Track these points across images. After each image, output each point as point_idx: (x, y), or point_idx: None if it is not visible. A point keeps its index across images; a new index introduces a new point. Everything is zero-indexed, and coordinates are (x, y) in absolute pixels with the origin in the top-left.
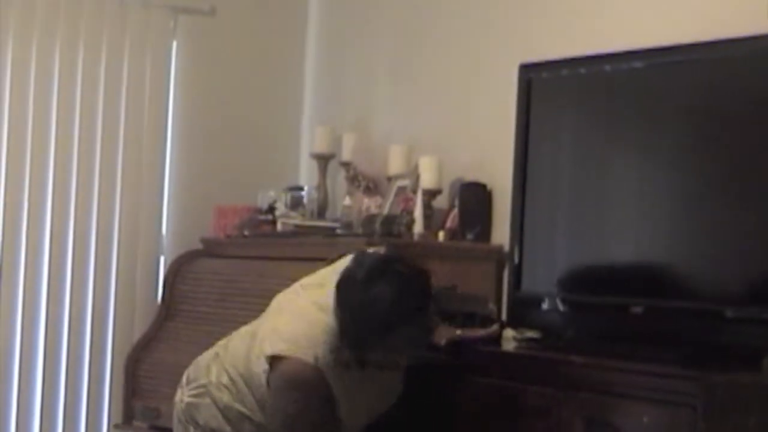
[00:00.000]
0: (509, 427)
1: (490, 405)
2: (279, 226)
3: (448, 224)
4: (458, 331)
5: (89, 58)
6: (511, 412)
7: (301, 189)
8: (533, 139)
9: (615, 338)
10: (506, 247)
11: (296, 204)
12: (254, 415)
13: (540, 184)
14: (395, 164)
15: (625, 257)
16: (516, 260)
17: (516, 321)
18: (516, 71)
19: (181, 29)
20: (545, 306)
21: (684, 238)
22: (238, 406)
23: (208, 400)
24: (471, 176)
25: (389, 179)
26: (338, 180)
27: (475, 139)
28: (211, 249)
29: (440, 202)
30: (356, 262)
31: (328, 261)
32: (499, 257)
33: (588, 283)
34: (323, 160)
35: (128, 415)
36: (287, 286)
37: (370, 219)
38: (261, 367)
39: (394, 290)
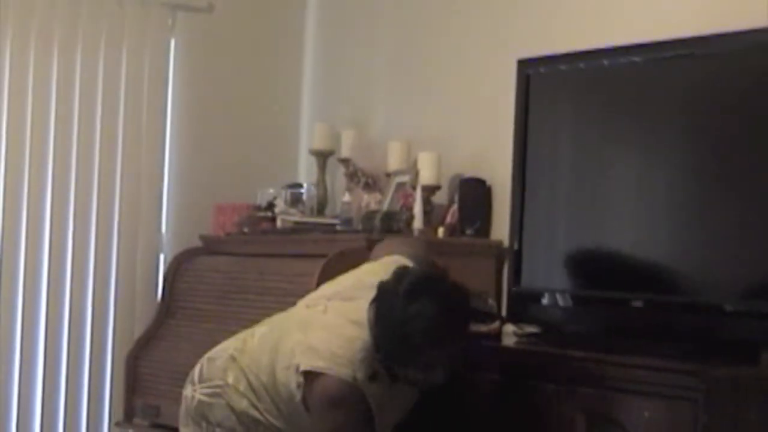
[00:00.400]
0: (510, 422)
1: (491, 400)
2: (278, 223)
3: (448, 220)
4: None
5: (88, 55)
6: (511, 407)
7: (301, 186)
8: (532, 134)
9: (615, 333)
10: (506, 243)
11: (295, 201)
12: (275, 419)
13: (539, 179)
14: (394, 160)
15: (625, 252)
16: (515, 255)
17: (516, 316)
18: (514, 66)
19: (180, 26)
20: (545, 301)
21: (683, 232)
22: (255, 413)
23: (223, 402)
24: (470, 172)
25: (388, 175)
26: (337, 176)
27: (474, 135)
28: (210, 246)
29: (440, 197)
30: (397, 276)
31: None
32: (498, 252)
33: (588, 278)
34: (322, 157)
35: (129, 412)
36: (287, 283)
37: (369, 215)
38: (292, 380)
39: (435, 308)
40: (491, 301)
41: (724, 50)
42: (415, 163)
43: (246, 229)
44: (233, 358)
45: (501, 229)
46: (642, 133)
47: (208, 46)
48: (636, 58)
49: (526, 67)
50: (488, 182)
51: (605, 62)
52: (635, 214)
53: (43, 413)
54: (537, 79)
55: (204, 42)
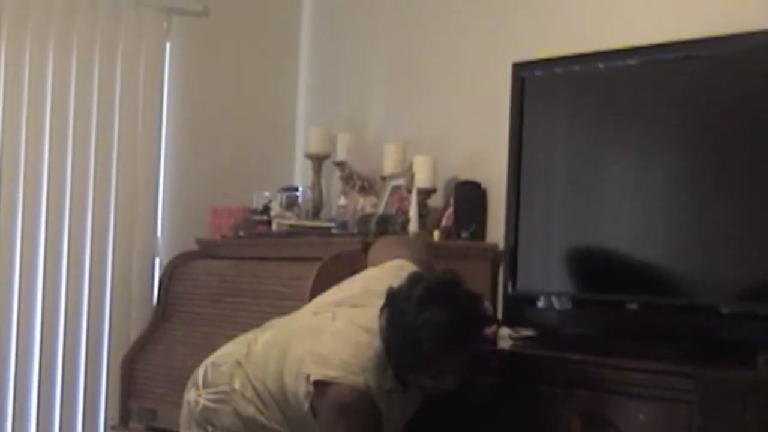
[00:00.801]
0: (506, 425)
1: (487, 403)
2: (274, 227)
3: (443, 223)
4: None
5: (83, 59)
6: (507, 410)
7: (296, 189)
8: (527, 137)
9: (611, 335)
10: (501, 246)
11: (291, 204)
12: (281, 427)
13: (534, 182)
14: (390, 164)
15: (621, 254)
16: (511, 258)
17: (512, 319)
18: (509, 70)
19: (175, 30)
20: (541, 304)
21: (679, 234)
22: (262, 420)
23: (229, 408)
24: (465, 175)
25: (384, 179)
26: (333, 180)
27: (470, 138)
28: (206, 250)
29: (435, 201)
30: (411, 282)
31: (319, 267)
32: (494, 256)
33: (583, 281)
34: (318, 160)
35: (125, 416)
36: (283, 286)
37: (365, 219)
38: (302, 389)
39: (447, 315)
40: (487, 305)
41: (720, 53)
42: (410, 167)
43: (242, 233)
44: (239, 364)
45: (496, 232)
46: (637, 136)
47: (203, 50)
48: (631, 61)
49: (522, 70)
50: (484, 185)
51: (601, 65)
52: (631, 216)
53: (39, 416)
54: (532, 82)
55: (199, 46)
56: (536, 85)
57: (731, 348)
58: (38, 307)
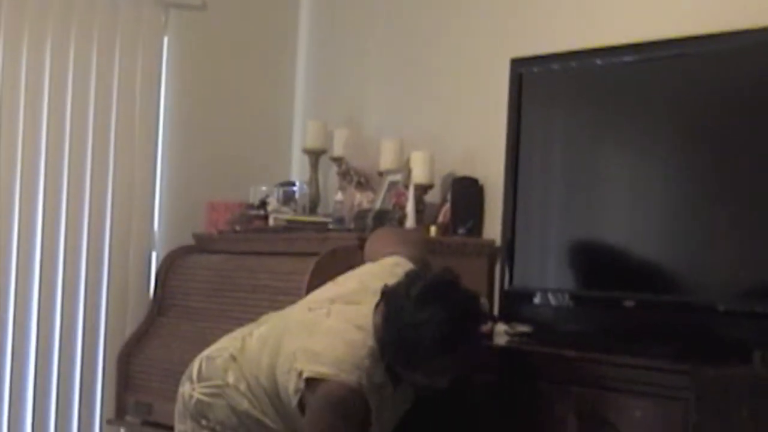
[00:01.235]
0: (501, 422)
1: (483, 400)
2: (271, 222)
3: (440, 219)
4: None
5: (80, 53)
6: (503, 406)
7: (293, 184)
8: (525, 133)
9: (607, 332)
10: (498, 242)
11: (288, 199)
12: (273, 422)
13: (532, 178)
14: (387, 159)
15: (618, 251)
16: (508, 255)
17: (508, 315)
18: (507, 66)
19: (173, 24)
20: (537, 300)
21: (676, 232)
22: (256, 414)
23: (223, 402)
24: (463, 171)
25: (381, 174)
26: (330, 175)
27: (467, 134)
28: (203, 244)
29: (432, 196)
30: (409, 279)
31: (316, 262)
32: (491, 252)
33: (580, 278)
34: (315, 155)
35: (121, 410)
36: (279, 281)
37: (362, 214)
38: (291, 384)
39: (446, 315)
40: (484, 301)
41: (717, 50)
42: (407, 162)
43: (238, 228)
44: (233, 358)
45: (493, 228)
46: (635, 132)
47: (201, 44)
48: (628, 58)
49: (519, 66)
50: (481, 181)
51: (598, 62)
52: (628, 213)
53: (35, 410)
54: (530, 78)
55: (197, 40)
56: (534, 81)
57: (727, 345)
58: (34, 301)
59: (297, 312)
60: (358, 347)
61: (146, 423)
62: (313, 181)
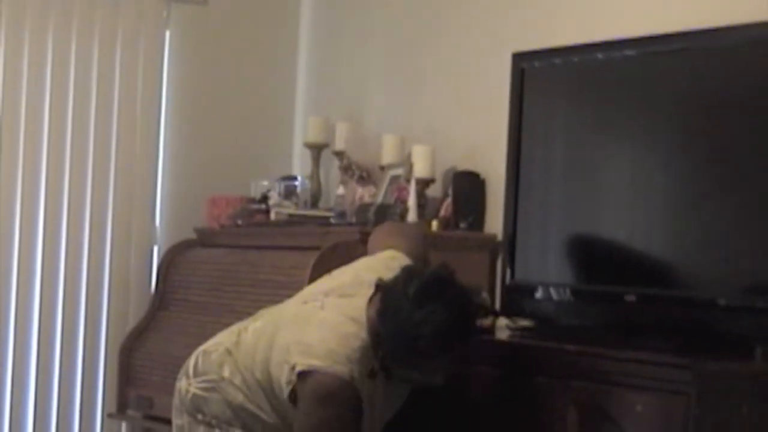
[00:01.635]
0: (503, 415)
1: (484, 394)
2: (272, 216)
3: (442, 213)
4: None
5: (82, 47)
6: (504, 401)
7: (295, 178)
8: (526, 127)
9: (608, 327)
10: (500, 236)
11: (289, 193)
12: (268, 416)
13: (533, 172)
14: (388, 153)
15: (619, 245)
16: (509, 249)
17: (509, 310)
18: (509, 60)
19: (174, 19)
20: (539, 295)
21: (677, 226)
22: (251, 407)
23: (218, 396)
24: (464, 165)
25: (382, 168)
26: (332, 169)
27: (469, 128)
28: (204, 239)
29: (434, 191)
30: (405, 276)
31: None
32: (492, 246)
33: (581, 272)
34: (316, 150)
35: (122, 404)
36: (280, 275)
37: (363, 208)
38: (285, 377)
39: (445, 313)
40: (485, 295)
41: (720, 44)
42: (409, 156)
43: (240, 222)
44: (229, 352)
45: (495, 222)
46: (636, 127)
47: (202, 39)
48: (631, 52)
49: (521, 61)
50: (482, 175)
51: (600, 56)
52: (629, 208)
53: (37, 404)
54: (532, 72)
55: (199, 34)
56: (536, 76)
57: (729, 340)
58: (36, 295)
59: (292, 305)
60: (351, 339)
61: (147, 417)
62: (315, 176)
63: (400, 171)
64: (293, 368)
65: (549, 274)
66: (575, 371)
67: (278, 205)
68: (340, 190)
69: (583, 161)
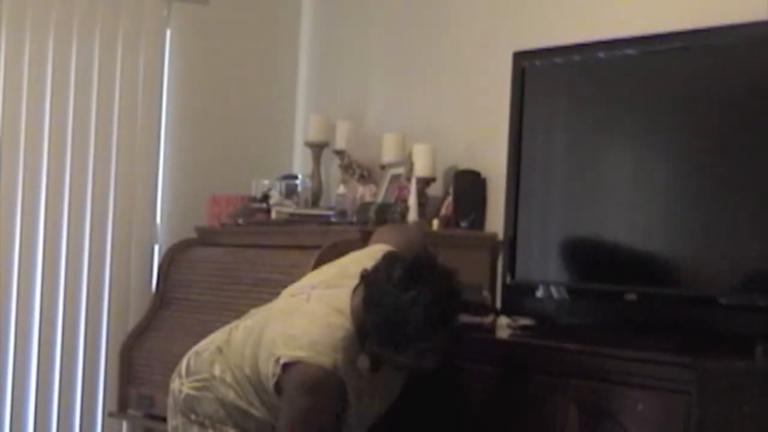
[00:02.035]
0: (503, 414)
1: (484, 393)
2: (273, 215)
3: (443, 212)
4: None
5: (83, 47)
6: (505, 399)
7: (295, 177)
8: (527, 126)
9: (609, 325)
10: (500, 235)
11: (290, 192)
12: (259, 412)
13: (534, 171)
14: (389, 152)
15: (620, 244)
16: (510, 248)
17: (510, 308)
18: (510, 59)
19: (175, 18)
20: (539, 294)
21: (678, 225)
22: (242, 405)
23: (210, 395)
24: (465, 164)
25: (383, 167)
26: (332, 168)
27: (469, 127)
28: (205, 237)
29: (434, 189)
30: (388, 262)
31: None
32: (493, 245)
33: (582, 271)
34: (317, 149)
35: (123, 403)
36: (281, 274)
37: (364, 207)
38: (270, 369)
39: (431, 295)
40: (486, 294)
41: (721, 43)
42: (410, 155)
43: (241, 221)
44: (220, 350)
45: (496, 221)
46: (637, 125)
47: (203, 37)
48: (632, 51)
49: (522, 60)
50: (483, 174)
51: (601, 55)
52: (630, 206)
53: (37, 403)
54: (532, 71)
55: (199, 33)
56: (536, 75)
57: (729, 339)
58: (37, 294)
59: (281, 300)
60: (335, 330)
61: (148, 416)
62: (316, 175)
63: (400, 170)
64: (278, 360)
65: (550, 272)
66: (576, 370)
67: (279, 204)
68: (341, 189)
69: (583, 160)
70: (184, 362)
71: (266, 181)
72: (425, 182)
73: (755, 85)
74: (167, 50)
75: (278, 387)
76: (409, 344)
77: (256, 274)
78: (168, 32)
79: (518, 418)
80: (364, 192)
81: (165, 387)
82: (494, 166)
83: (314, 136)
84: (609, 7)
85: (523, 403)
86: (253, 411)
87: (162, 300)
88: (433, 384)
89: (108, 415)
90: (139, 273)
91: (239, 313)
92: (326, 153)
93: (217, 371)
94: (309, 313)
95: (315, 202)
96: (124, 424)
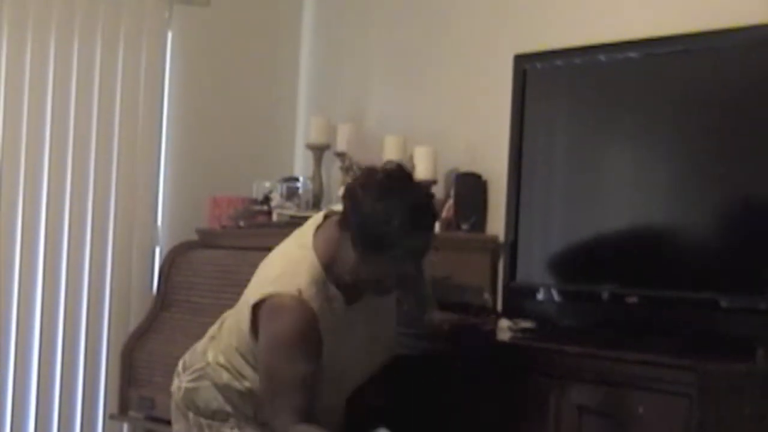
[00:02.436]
0: (504, 417)
1: (486, 395)
2: (274, 217)
3: (444, 215)
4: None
5: (84, 48)
6: (506, 402)
7: (297, 179)
8: (528, 129)
9: (610, 328)
10: (501, 238)
11: (291, 194)
12: (254, 384)
13: (535, 174)
14: (390, 154)
15: (620, 247)
16: (511, 250)
17: (511, 311)
18: (511, 61)
19: (177, 19)
20: (540, 296)
21: (679, 228)
22: (237, 385)
23: (207, 383)
24: (466, 166)
25: None
26: (333, 170)
27: (471, 130)
28: (206, 240)
29: (435, 192)
30: (363, 176)
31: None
32: (494, 247)
33: (583, 273)
34: (318, 151)
35: (124, 405)
36: None
37: None
38: (247, 318)
39: (411, 196)
40: (487, 296)
41: (721, 46)
42: (411, 158)
43: (242, 223)
44: (212, 338)
45: (497, 224)
46: (639, 128)
47: (204, 39)
48: (633, 54)
49: (523, 62)
50: (484, 177)
51: (602, 58)
52: (631, 209)
53: (38, 405)
54: (534, 74)
55: (201, 35)
56: (537, 77)
57: (730, 341)
58: (38, 296)
59: None
60: (298, 262)
61: (149, 418)
62: (317, 177)
63: None
64: (250, 306)
65: (551, 275)
66: (577, 373)
67: (280, 206)
68: (342, 191)
69: (584, 163)
70: (180, 363)
71: (267, 183)
72: (426, 185)
73: (756, 88)
74: (168, 52)
75: (254, 331)
76: (391, 244)
77: None
78: (169, 34)
79: (519, 420)
80: None
81: (166, 389)
82: (495, 169)
83: (315, 138)
84: (610, 9)
85: (523, 405)
86: (247, 384)
87: (163, 302)
88: (433, 385)
89: (109, 417)
90: (140, 275)
91: None
92: (327, 155)
93: (210, 357)
94: (274, 257)
95: (316, 204)
96: (125, 426)
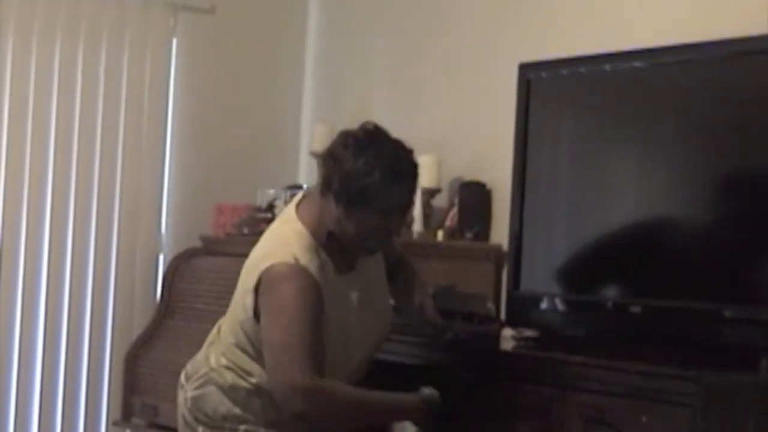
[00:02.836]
0: (507, 426)
1: (489, 404)
2: None
3: (448, 223)
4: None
5: (89, 55)
6: (509, 411)
7: (301, 187)
8: (532, 138)
9: (613, 338)
10: (505, 247)
11: None
12: (261, 378)
13: (539, 183)
14: None
15: (624, 256)
16: (515, 259)
17: (514, 320)
18: (515, 70)
19: (181, 27)
20: (544, 305)
21: (683, 238)
22: (243, 383)
23: (212, 387)
24: (470, 175)
25: None
26: None
27: (475, 138)
28: (210, 247)
29: (439, 201)
30: (343, 133)
31: None
32: (498, 256)
33: (586, 283)
34: None
35: (127, 412)
36: None
37: None
38: (249, 304)
39: (391, 149)
40: (490, 305)
41: (725, 56)
42: None
43: (246, 230)
44: (211, 343)
45: (500, 232)
46: (643, 138)
47: (209, 47)
48: (637, 63)
49: (528, 71)
50: (488, 186)
51: (606, 67)
52: (635, 219)
53: (42, 412)
54: (538, 83)
55: (205, 43)
56: (542, 87)
57: (734, 352)
58: (42, 303)
59: None
60: (285, 236)
61: (152, 425)
62: None
63: None
64: (249, 290)
65: (554, 284)
66: (580, 382)
67: None
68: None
69: (589, 172)
70: (182, 374)
71: (271, 191)
72: (430, 193)
73: (760, 98)
74: (173, 59)
75: (257, 312)
76: (375, 195)
77: None
78: (174, 41)
79: (522, 429)
80: None
81: (169, 396)
82: (499, 178)
83: (319, 145)
84: (614, 19)
85: (526, 414)
86: (253, 381)
87: (167, 309)
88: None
89: (112, 423)
90: (144, 282)
91: None
92: None
93: (212, 361)
94: (261, 242)
95: None
96: None
